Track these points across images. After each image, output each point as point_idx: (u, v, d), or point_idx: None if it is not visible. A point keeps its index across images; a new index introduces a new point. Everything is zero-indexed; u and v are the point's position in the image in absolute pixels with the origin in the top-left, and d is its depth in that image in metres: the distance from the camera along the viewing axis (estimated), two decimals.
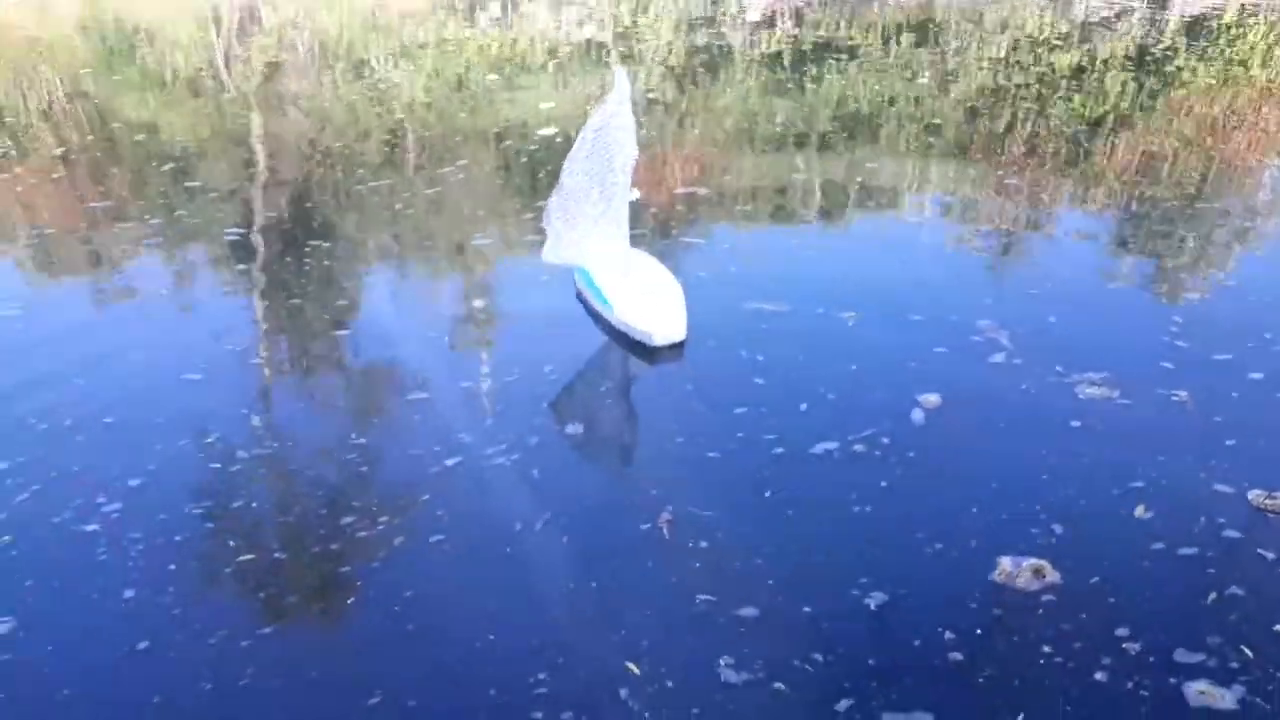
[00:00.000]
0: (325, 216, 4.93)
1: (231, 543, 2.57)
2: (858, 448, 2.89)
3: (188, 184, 5.36)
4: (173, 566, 2.49)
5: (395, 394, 3.29)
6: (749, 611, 2.29)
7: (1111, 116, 6.40)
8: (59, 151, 5.91)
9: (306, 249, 4.45)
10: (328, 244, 4.53)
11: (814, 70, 7.65)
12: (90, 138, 6.13)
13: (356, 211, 4.98)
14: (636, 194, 3.60)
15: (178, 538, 2.59)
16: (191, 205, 5.02)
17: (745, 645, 2.19)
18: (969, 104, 6.70)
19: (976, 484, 2.73)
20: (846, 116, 6.53)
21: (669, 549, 2.51)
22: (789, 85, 7.30)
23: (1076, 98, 6.76)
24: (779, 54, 8.16)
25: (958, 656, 2.13)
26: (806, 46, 8.45)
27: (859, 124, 6.38)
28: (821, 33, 9.04)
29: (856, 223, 4.90)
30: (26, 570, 2.48)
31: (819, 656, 2.15)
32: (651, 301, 3.63)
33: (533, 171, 5.47)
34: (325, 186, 5.36)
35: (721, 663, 2.14)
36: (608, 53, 8.23)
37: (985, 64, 7.79)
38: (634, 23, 9.60)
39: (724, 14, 10.00)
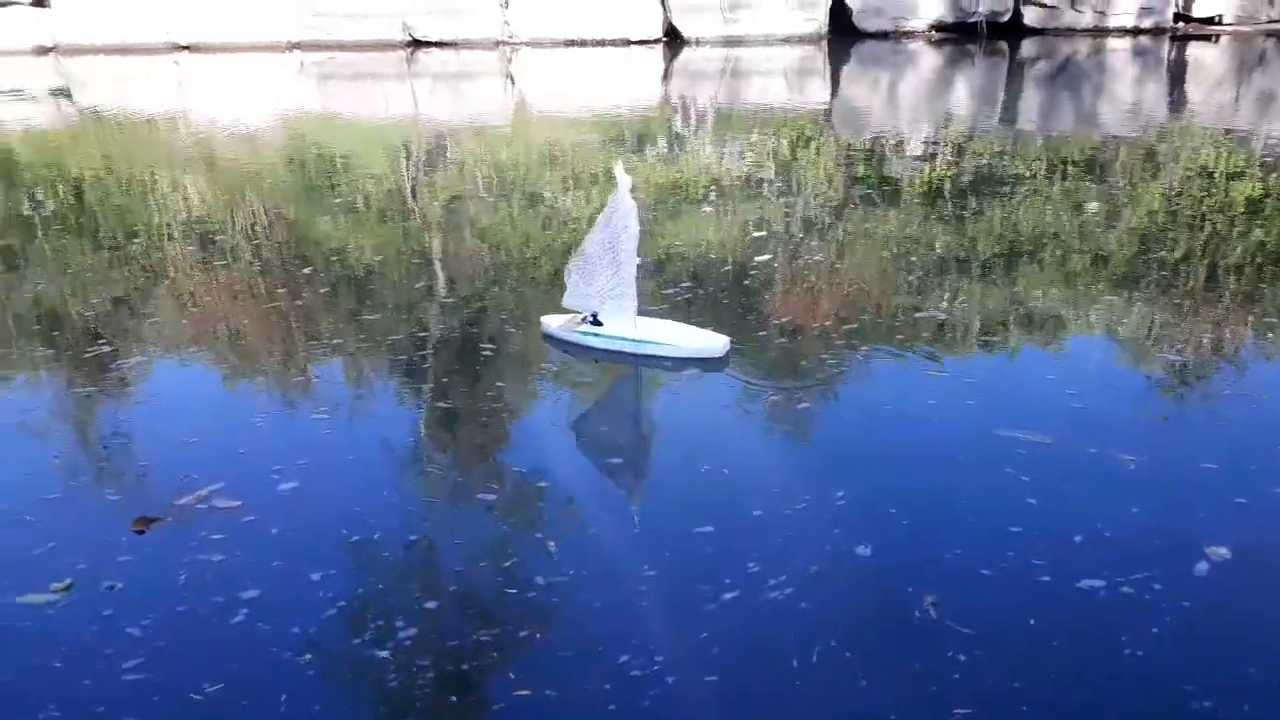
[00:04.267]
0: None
1: (511, 675, 2.65)
2: (1127, 590, 2.85)
3: (442, 299, 5.73)
4: (454, 699, 2.60)
5: (683, 523, 3.34)
6: None
7: None
8: (305, 272, 6.39)
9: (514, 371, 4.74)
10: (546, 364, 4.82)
11: (975, 201, 7.65)
12: (293, 257, 6.70)
13: (507, 316, 5.24)
14: (638, 260, 4.61)
15: (465, 666, 2.69)
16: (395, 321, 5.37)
17: None
18: (1148, 235, 6.56)
19: (1257, 641, 2.65)
20: (1012, 247, 6.49)
21: (932, 665, 2.58)
22: (951, 216, 7.30)
23: (1259, 228, 6.52)
24: (940, 186, 8.20)
25: None
26: (967, 179, 8.47)
27: (1030, 254, 6.33)
28: (984, 165, 9.06)
29: (1081, 355, 4.84)
30: (318, 695, 2.61)
31: None
32: (685, 330, 4.77)
33: (688, 291, 5.63)
34: (514, 308, 5.67)
35: None
36: (764, 185, 8.46)
37: (1159, 195, 7.61)
38: (794, 156, 9.86)
39: (884, 148, 10.15)
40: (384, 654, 2.70)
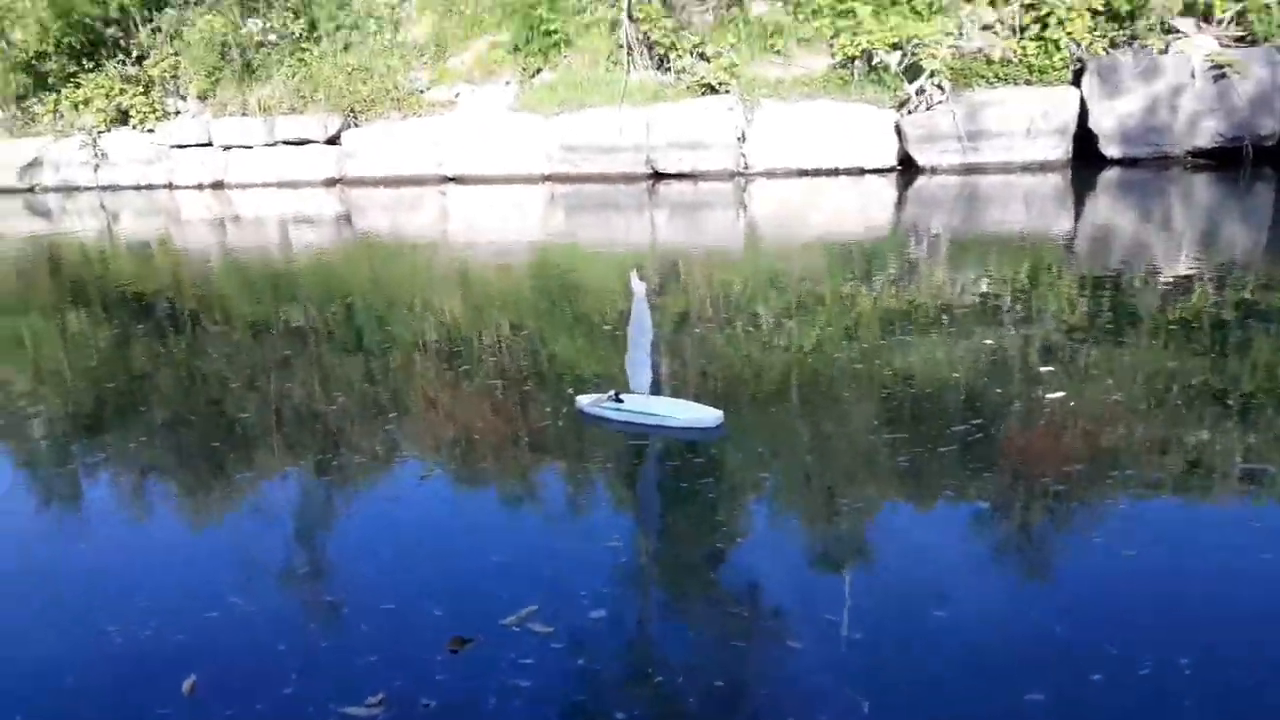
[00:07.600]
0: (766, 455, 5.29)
1: None
2: None
3: None
4: None
5: (1009, 688, 3.16)
6: None
7: None
8: (569, 392, 6.79)
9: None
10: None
11: (1242, 335, 7.08)
12: (520, 371, 7.11)
13: (765, 446, 5.33)
14: (648, 343, 5.50)
15: None
16: None
17: None
18: None
19: None
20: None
21: None
22: (1219, 351, 6.78)
23: None
24: (1195, 317, 7.66)
25: None
26: (1229, 311, 7.86)
27: None
28: (1247, 296, 8.39)
29: None
30: None
31: None
32: (683, 404, 5.59)
33: (909, 423, 5.55)
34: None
35: None
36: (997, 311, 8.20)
37: None
38: (1032, 282, 9.53)
39: (1136, 277, 9.63)
40: None
